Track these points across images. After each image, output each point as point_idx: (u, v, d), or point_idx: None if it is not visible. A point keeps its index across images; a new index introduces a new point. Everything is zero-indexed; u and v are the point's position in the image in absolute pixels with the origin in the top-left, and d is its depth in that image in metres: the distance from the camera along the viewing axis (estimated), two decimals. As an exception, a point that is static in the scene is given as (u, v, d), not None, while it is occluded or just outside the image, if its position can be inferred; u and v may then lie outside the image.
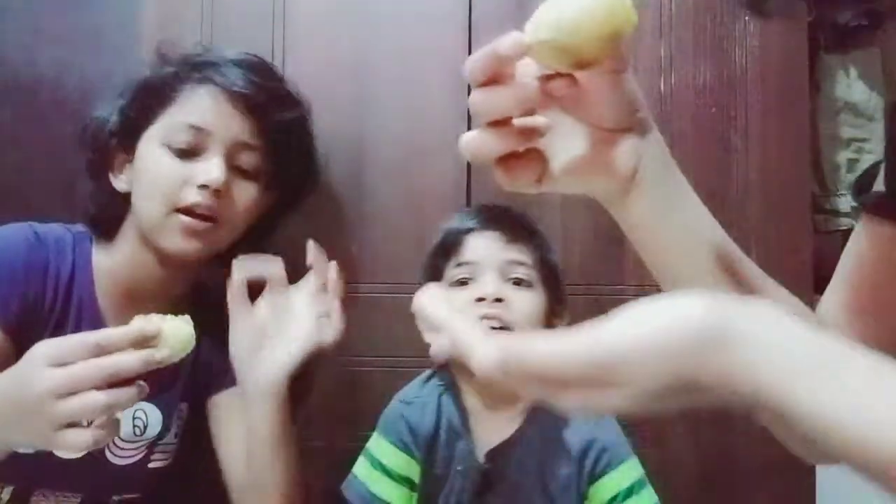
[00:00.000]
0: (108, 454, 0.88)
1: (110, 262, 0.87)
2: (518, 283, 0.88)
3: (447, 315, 0.45)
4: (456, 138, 1.18)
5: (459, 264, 0.89)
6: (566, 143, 0.48)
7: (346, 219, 1.10)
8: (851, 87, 1.30)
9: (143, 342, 0.66)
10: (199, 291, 0.94)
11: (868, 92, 1.30)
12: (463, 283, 0.89)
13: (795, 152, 1.06)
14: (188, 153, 0.83)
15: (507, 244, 0.89)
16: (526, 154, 0.47)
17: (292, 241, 1.10)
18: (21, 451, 0.73)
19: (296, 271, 1.10)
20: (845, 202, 1.30)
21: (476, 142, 0.46)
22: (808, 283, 1.06)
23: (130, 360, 0.64)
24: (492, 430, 0.91)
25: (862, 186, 0.63)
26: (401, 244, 1.10)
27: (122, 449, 0.88)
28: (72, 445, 0.64)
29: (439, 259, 0.93)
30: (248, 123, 0.85)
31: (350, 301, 1.09)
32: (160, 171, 0.83)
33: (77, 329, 0.83)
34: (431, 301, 0.47)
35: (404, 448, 0.92)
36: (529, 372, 0.39)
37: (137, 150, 0.85)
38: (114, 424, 0.65)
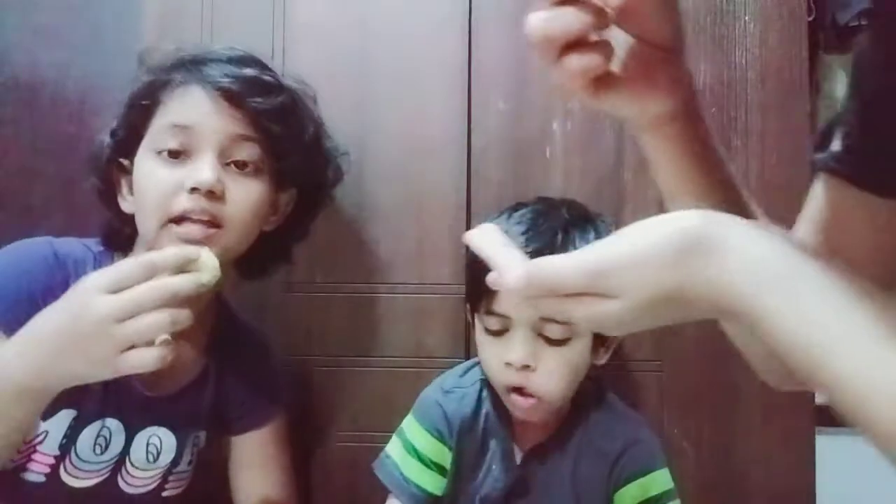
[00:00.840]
0: (120, 483, 0.85)
1: None
2: (549, 342, 0.82)
3: (490, 248, 0.48)
4: (456, 138, 1.19)
5: (490, 312, 0.84)
6: (624, 56, 0.49)
7: (346, 219, 1.10)
8: (851, 87, 1.30)
9: (186, 265, 0.67)
10: (222, 313, 0.92)
11: (868, 92, 1.30)
12: (496, 333, 0.85)
13: (795, 152, 1.06)
14: (179, 157, 0.78)
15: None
16: (591, 48, 0.46)
17: (292, 241, 1.10)
18: (84, 383, 0.71)
19: (295, 271, 1.10)
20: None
21: (547, 19, 0.45)
22: (808, 283, 1.06)
23: (183, 282, 0.65)
24: (530, 430, 0.91)
25: (820, 141, 0.63)
26: (401, 244, 1.10)
27: (134, 477, 0.86)
28: (139, 365, 0.64)
29: (472, 291, 0.89)
30: (237, 116, 0.80)
31: (350, 301, 1.10)
32: (150, 180, 0.78)
33: None
34: (478, 236, 0.50)
35: (438, 436, 0.92)
36: (544, 285, 0.43)
37: (137, 163, 0.82)
38: (171, 344, 0.65)
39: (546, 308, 0.45)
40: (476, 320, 0.88)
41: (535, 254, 0.79)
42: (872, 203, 0.56)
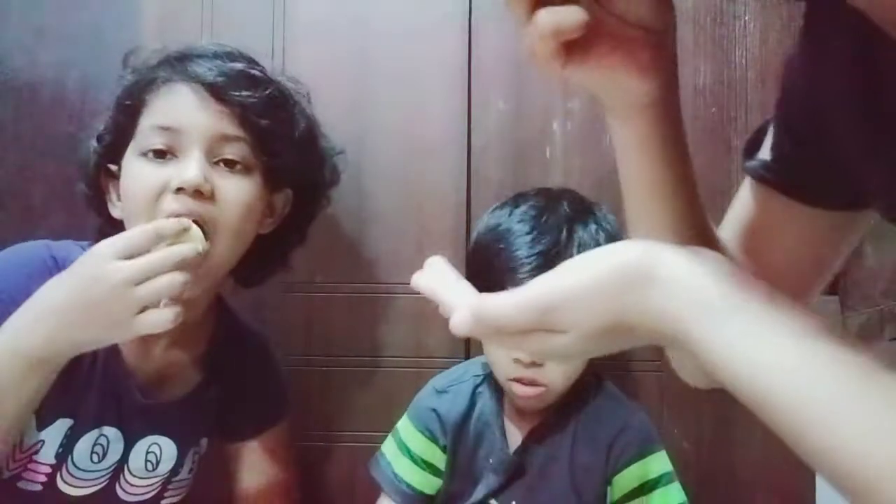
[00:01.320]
0: (118, 491, 0.84)
1: None
2: None
3: (438, 288, 0.50)
4: (456, 138, 1.19)
5: None
6: (603, 30, 0.46)
7: (346, 219, 1.10)
8: (851, 87, 1.30)
9: (182, 234, 0.70)
10: (222, 318, 0.92)
11: (868, 92, 1.30)
12: None
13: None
14: (165, 156, 0.76)
15: None
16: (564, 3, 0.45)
17: (292, 241, 1.10)
18: (99, 346, 0.74)
19: (295, 271, 1.10)
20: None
21: None
22: (808, 283, 1.06)
23: (187, 249, 0.69)
24: (527, 419, 0.92)
25: (750, 147, 0.65)
26: (401, 244, 1.10)
27: (133, 486, 0.85)
28: (155, 324, 0.66)
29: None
30: (224, 112, 0.77)
31: (350, 301, 1.10)
32: (137, 182, 0.76)
33: (93, 364, 0.79)
34: (426, 276, 0.52)
35: (431, 436, 0.94)
36: (491, 325, 0.44)
37: (124, 165, 0.80)
38: (179, 308, 0.67)
39: (495, 342, 0.47)
40: None
41: (542, 255, 0.80)
42: (797, 211, 0.57)
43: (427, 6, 1.11)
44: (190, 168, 0.74)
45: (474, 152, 1.10)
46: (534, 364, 0.83)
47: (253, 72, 0.81)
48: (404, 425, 0.96)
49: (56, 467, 0.79)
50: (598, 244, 0.83)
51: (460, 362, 1.06)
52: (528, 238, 0.82)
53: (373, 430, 1.08)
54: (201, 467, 0.93)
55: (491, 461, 0.92)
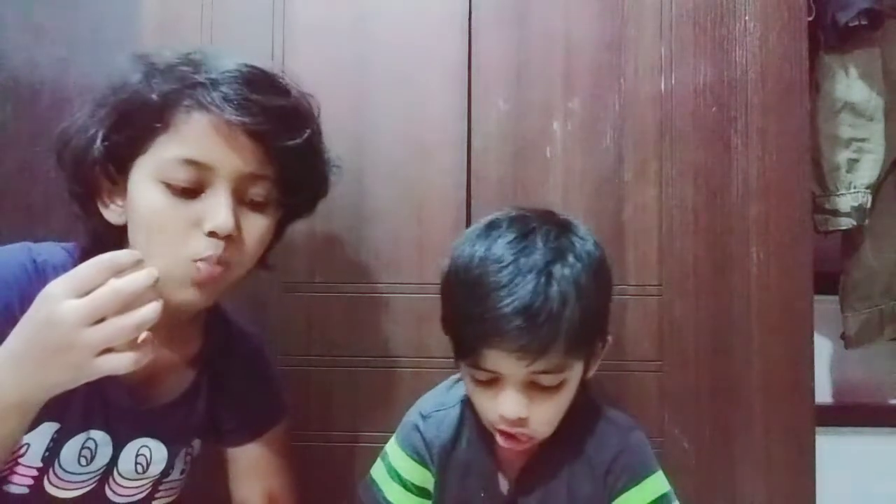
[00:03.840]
0: (108, 493, 0.83)
1: None
2: (542, 389, 0.78)
3: None
4: (456, 138, 1.19)
5: (478, 367, 0.79)
6: None
7: (346, 219, 1.10)
8: (851, 87, 1.30)
9: (138, 264, 0.64)
10: (214, 319, 0.90)
11: (868, 92, 1.30)
12: (485, 384, 0.80)
13: (795, 152, 1.06)
14: (190, 191, 0.73)
15: (530, 363, 0.75)
16: None
17: (291, 242, 1.10)
18: (69, 388, 0.68)
19: (294, 272, 1.10)
20: (845, 202, 1.31)
21: None
22: (808, 283, 1.06)
23: (141, 278, 0.62)
24: (517, 453, 0.87)
25: None
26: (401, 244, 1.10)
27: (123, 487, 0.84)
28: (115, 368, 0.62)
29: (457, 347, 0.82)
30: (253, 152, 0.74)
31: (350, 301, 1.10)
32: (162, 215, 0.73)
33: None
34: None
35: (420, 460, 0.90)
36: None
37: (129, 182, 0.75)
38: (151, 344, 0.63)
39: None
40: (461, 365, 0.83)
41: (521, 312, 0.73)
42: None
43: (427, 6, 1.11)
44: (223, 213, 0.72)
45: (474, 152, 1.10)
46: (519, 421, 0.78)
47: (288, 110, 0.77)
48: (393, 450, 0.92)
49: (42, 470, 0.78)
50: (576, 282, 0.76)
51: (460, 362, 1.06)
52: (502, 294, 0.74)
53: (373, 430, 1.08)
54: (196, 468, 0.92)
55: (483, 495, 0.89)
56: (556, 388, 0.79)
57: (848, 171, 1.31)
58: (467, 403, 0.90)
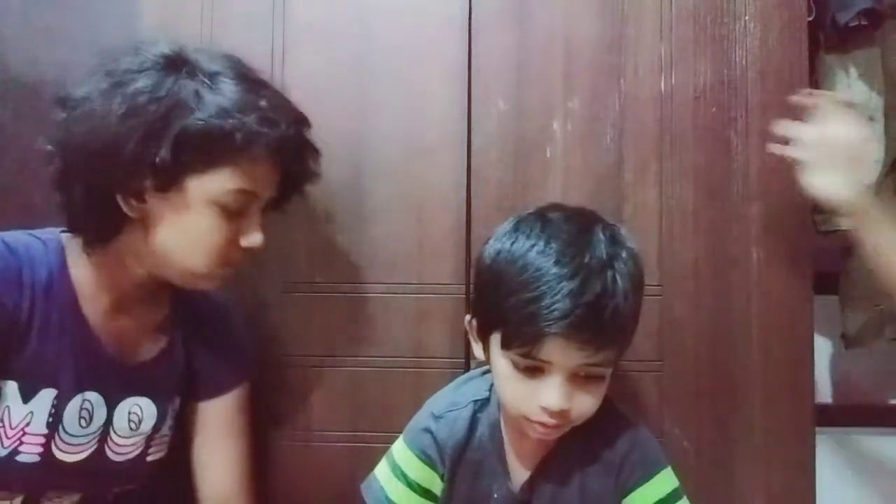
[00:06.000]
0: (108, 453, 0.90)
1: (96, 272, 0.87)
2: (585, 380, 0.80)
3: None
4: (456, 138, 1.19)
5: (529, 356, 0.79)
6: None
7: (346, 219, 1.10)
8: (851, 87, 1.30)
9: None
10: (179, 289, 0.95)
11: (868, 92, 1.30)
12: (527, 372, 0.80)
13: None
14: (236, 212, 0.85)
15: (589, 354, 0.77)
16: None
17: (291, 242, 1.10)
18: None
19: (294, 272, 1.10)
20: (845, 202, 1.30)
21: None
22: (808, 283, 1.06)
23: None
24: (528, 453, 0.89)
25: None
26: (401, 244, 1.10)
27: (120, 446, 0.90)
28: None
29: (512, 334, 0.80)
30: (279, 176, 0.88)
31: (350, 301, 1.10)
32: (212, 231, 0.83)
33: (62, 335, 0.84)
34: None
35: (428, 461, 0.90)
36: None
37: (183, 197, 0.82)
38: None
39: None
40: (497, 355, 0.82)
41: (588, 307, 0.75)
42: None
43: (427, 6, 1.11)
44: (258, 233, 0.87)
45: (474, 152, 1.10)
46: (560, 413, 0.79)
47: (307, 138, 0.90)
48: (400, 449, 0.92)
49: (49, 436, 0.84)
50: (632, 278, 0.79)
51: (461, 362, 1.06)
52: (572, 286, 0.76)
53: (373, 430, 1.08)
54: (178, 424, 0.98)
55: (496, 496, 0.89)
56: (598, 380, 0.81)
57: (848, 171, 1.31)
58: (479, 404, 0.91)
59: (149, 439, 0.93)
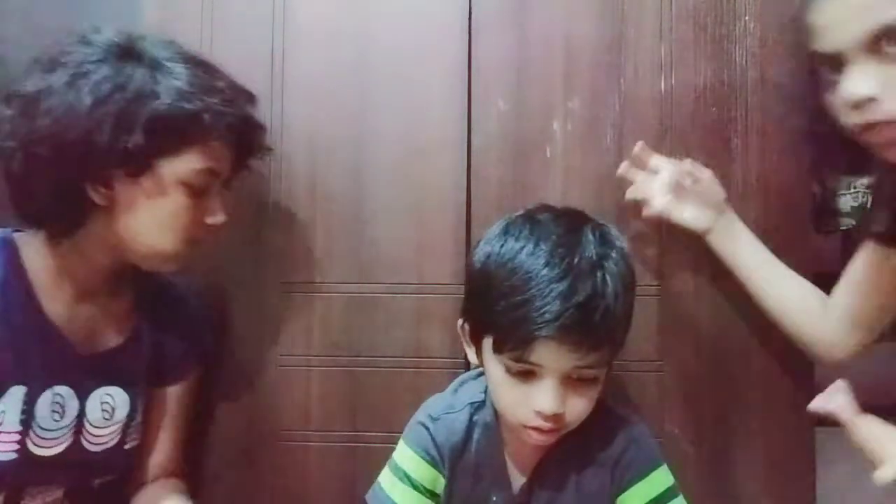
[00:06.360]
0: (85, 444, 0.91)
1: (57, 265, 0.88)
2: (578, 383, 0.80)
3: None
4: (456, 138, 1.19)
5: (521, 360, 0.79)
6: None
7: (346, 219, 1.10)
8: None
9: None
10: (141, 277, 0.97)
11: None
12: (520, 376, 0.80)
13: (795, 152, 1.06)
14: (201, 191, 0.88)
15: (580, 356, 0.78)
16: None
17: (291, 242, 1.10)
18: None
19: (294, 272, 1.10)
20: (845, 202, 1.31)
21: None
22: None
23: None
24: (526, 456, 0.89)
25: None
26: (401, 244, 1.10)
27: (95, 436, 0.92)
28: None
29: (503, 338, 0.80)
30: (234, 154, 0.92)
31: (350, 301, 1.10)
32: (181, 212, 0.87)
33: (24, 333, 0.85)
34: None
35: (430, 461, 0.90)
36: None
37: (155, 181, 0.84)
38: None
39: None
40: (490, 359, 0.82)
41: (579, 308, 0.74)
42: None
43: (427, 7, 1.11)
44: (220, 210, 0.91)
45: (474, 152, 1.10)
46: (555, 417, 0.79)
47: (259, 121, 0.96)
48: (402, 452, 0.92)
49: (23, 433, 0.85)
50: (623, 278, 0.79)
51: (460, 362, 1.06)
52: (561, 288, 0.76)
53: (373, 430, 1.08)
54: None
55: (494, 499, 0.89)
56: (591, 382, 0.81)
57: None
58: (475, 407, 0.90)
59: (125, 427, 0.95)
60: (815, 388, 1.07)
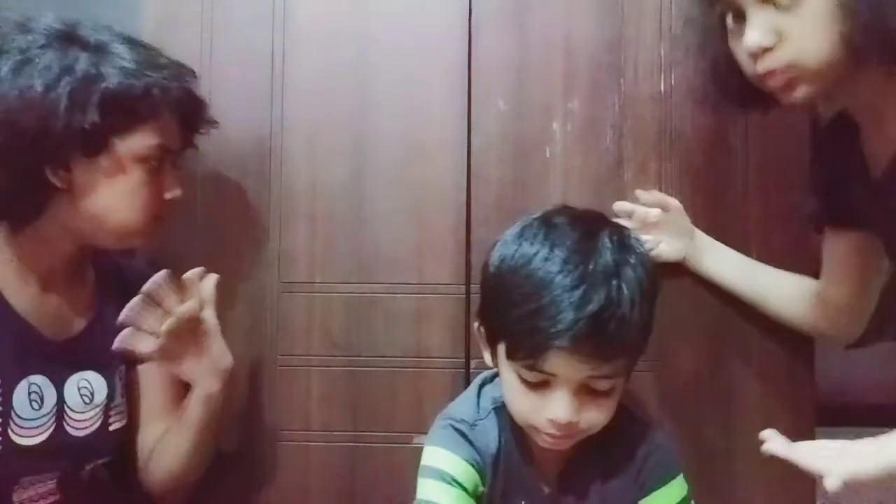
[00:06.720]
0: (68, 430, 0.91)
1: (20, 257, 0.89)
2: (594, 393, 0.79)
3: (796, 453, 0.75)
4: (456, 138, 1.19)
5: (534, 368, 0.78)
6: None
7: (346, 219, 1.10)
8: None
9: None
10: (99, 259, 0.99)
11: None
12: (534, 385, 0.79)
13: (795, 152, 1.06)
14: (157, 167, 0.90)
15: (595, 367, 0.76)
16: None
17: (291, 242, 1.10)
18: None
19: (294, 272, 1.10)
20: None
21: None
22: (808, 283, 1.06)
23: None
24: (552, 460, 0.88)
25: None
26: (401, 244, 1.10)
27: (78, 421, 0.93)
28: None
29: (517, 345, 0.79)
30: (181, 129, 0.95)
31: (350, 301, 1.10)
32: (142, 188, 0.89)
33: None
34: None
35: (476, 467, 0.85)
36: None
37: (113, 159, 0.87)
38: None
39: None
40: (504, 364, 0.81)
41: (593, 318, 0.73)
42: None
43: (427, 7, 1.11)
44: (177, 184, 0.93)
45: (474, 152, 1.10)
46: (568, 425, 0.78)
47: (201, 96, 0.98)
48: (444, 458, 0.84)
49: (3, 424, 0.86)
50: (640, 285, 0.77)
51: (461, 362, 1.06)
52: (574, 297, 0.74)
53: (373, 430, 1.08)
54: (132, 393, 1.01)
55: (523, 502, 0.88)
56: (607, 392, 0.79)
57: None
58: (500, 413, 0.88)
59: (106, 409, 0.95)
60: (815, 388, 1.07)
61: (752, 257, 1.06)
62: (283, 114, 1.11)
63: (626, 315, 0.75)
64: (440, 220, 1.09)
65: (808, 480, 1.05)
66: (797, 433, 1.05)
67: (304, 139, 1.11)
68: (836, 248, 0.96)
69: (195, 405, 0.96)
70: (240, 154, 1.11)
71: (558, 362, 0.75)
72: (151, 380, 1.02)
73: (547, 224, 0.81)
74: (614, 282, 0.75)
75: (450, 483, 0.83)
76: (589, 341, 0.74)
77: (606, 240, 0.79)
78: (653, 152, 1.08)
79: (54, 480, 0.91)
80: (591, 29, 1.09)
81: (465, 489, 0.83)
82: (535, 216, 0.84)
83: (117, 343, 0.88)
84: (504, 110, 1.10)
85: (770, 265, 1.04)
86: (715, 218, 1.07)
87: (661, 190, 1.07)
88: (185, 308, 0.89)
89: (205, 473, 1.01)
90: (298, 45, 1.12)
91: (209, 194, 1.11)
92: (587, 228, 0.80)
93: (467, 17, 1.10)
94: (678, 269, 1.06)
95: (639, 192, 1.05)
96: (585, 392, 0.78)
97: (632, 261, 0.79)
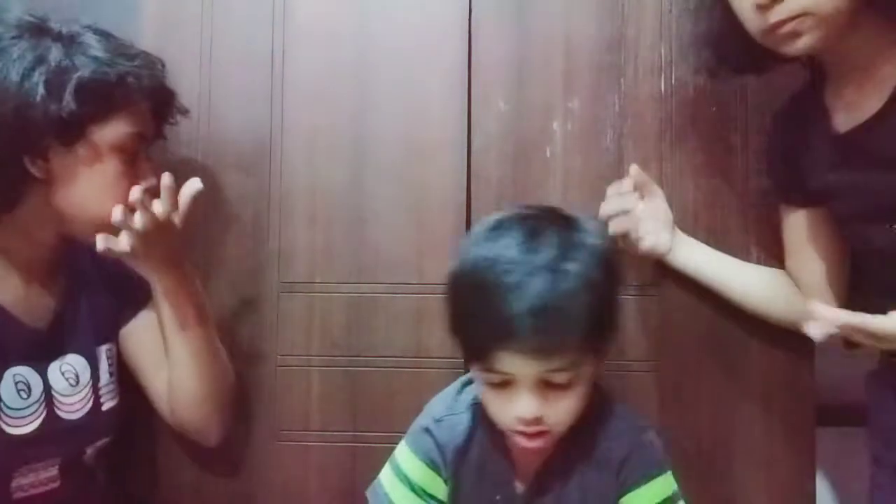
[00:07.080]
0: (60, 414, 0.92)
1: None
2: (555, 387, 0.79)
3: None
4: (456, 138, 1.19)
5: (490, 370, 0.79)
6: None
7: (346, 219, 1.10)
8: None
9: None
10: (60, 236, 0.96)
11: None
12: (499, 386, 0.80)
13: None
14: (132, 156, 0.91)
15: (545, 362, 0.76)
16: None
17: (291, 242, 1.10)
18: None
19: (294, 272, 1.10)
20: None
21: None
22: (808, 283, 1.06)
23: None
24: (529, 456, 0.88)
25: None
26: (401, 244, 1.10)
27: (68, 404, 0.93)
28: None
29: (468, 351, 0.83)
30: (153, 118, 0.96)
31: (350, 301, 1.10)
32: (118, 177, 0.89)
33: None
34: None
35: (431, 465, 0.89)
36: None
37: (90, 147, 0.87)
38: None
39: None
40: (473, 370, 0.84)
41: (533, 312, 0.73)
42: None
43: (427, 6, 1.11)
44: (150, 173, 0.92)
45: (474, 152, 1.10)
46: (535, 420, 0.78)
47: (169, 85, 0.98)
48: (403, 454, 0.91)
49: None
50: (584, 278, 0.77)
51: (460, 362, 1.06)
52: (512, 297, 0.75)
53: (373, 430, 1.08)
54: (124, 372, 1.02)
55: (498, 498, 0.89)
56: (569, 384, 0.79)
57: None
58: (478, 408, 0.89)
59: (95, 390, 0.96)
60: (815, 388, 1.07)
61: (752, 257, 1.06)
62: (283, 114, 1.11)
63: (565, 308, 0.75)
64: (440, 220, 1.09)
65: (807, 480, 1.05)
66: (797, 433, 1.06)
67: (304, 139, 1.11)
68: (797, 226, 0.97)
69: (160, 303, 0.96)
70: (240, 154, 1.12)
71: (510, 362, 0.76)
72: (140, 335, 1.02)
73: (496, 226, 0.82)
74: (552, 277, 0.75)
75: (401, 480, 0.90)
76: (533, 338, 0.75)
77: (548, 236, 0.79)
78: (653, 152, 1.08)
79: (56, 467, 0.91)
80: (591, 29, 1.09)
81: (414, 488, 0.89)
82: (490, 217, 0.85)
83: (99, 245, 0.87)
84: (504, 110, 1.10)
85: (770, 265, 1.05)
86: (715, 218, 1.07)
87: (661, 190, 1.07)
88: (155, 208, 0.88)
89: (206, 473, 1.00)
90: (298, 45, 1.12)
91: (209, 194, 1.11)
92: (533, 227, 0.80)
93: (467, 17, 1.10)
94: (677, 270, 1.06)
95: (633, 168, 1.01)
96: (546, 387, 0.78)
97: (577, 255, 0.78)
